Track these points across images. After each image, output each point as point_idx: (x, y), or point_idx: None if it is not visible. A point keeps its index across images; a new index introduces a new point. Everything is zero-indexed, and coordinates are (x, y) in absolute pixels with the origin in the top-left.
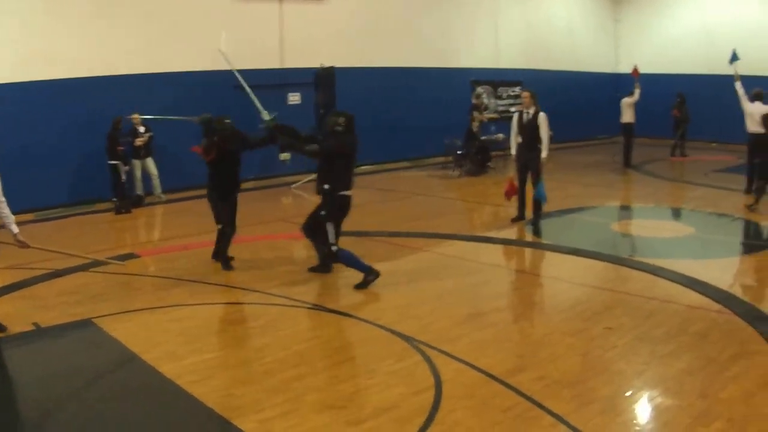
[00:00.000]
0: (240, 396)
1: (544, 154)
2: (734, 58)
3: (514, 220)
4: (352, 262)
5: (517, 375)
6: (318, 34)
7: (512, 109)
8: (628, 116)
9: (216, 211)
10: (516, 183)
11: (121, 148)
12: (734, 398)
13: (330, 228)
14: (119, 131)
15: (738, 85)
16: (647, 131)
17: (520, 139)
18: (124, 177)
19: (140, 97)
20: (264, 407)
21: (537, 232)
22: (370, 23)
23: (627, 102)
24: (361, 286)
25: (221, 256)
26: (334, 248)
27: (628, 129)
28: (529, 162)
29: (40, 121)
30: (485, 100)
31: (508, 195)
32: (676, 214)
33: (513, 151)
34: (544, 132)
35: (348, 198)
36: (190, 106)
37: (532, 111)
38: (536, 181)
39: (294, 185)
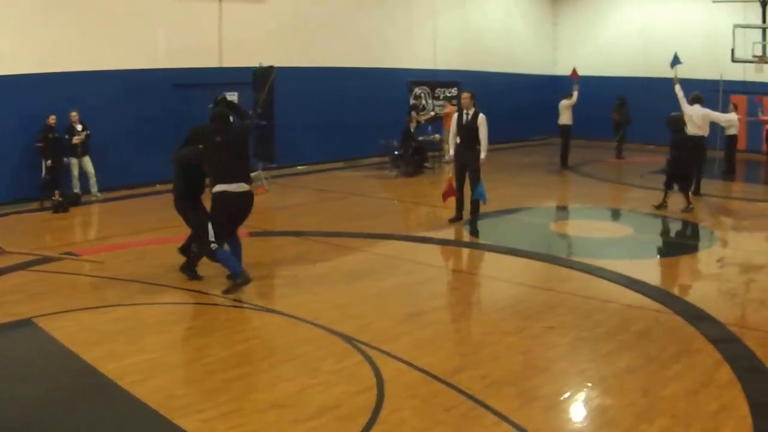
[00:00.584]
0: (182, 396)
1: (483, 155)
2: (675, 61)
3: (452, 221)
4: (229, 262)
5: (459, 374)
6: (257, 33)
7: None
8: (565, 118)
9: (188, 217)
10: (454, 184)
11: (40, 144)
12: (677, 396)
13: (209, 226)
14: (50, 129)
15: (677, 89)
16: (584, 133)
17: (458, 140)
18: (44, 173)
19: (78, 95)
20: (206, 407)
21: (475, 232)
22: (309, 23)
23: (565, 104)
24: (229, 292)
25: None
26: (213, 246)
27: (565, 130)
28: (467, 162)
29: None
30: (424, 101)
31: (445, 196)
32: (614, 214)
33: (451, 152)
34: (483, 133)
35: (228, 194)
36: (128, 104)
37: (471, 112)
38: (475, 182)
39: None
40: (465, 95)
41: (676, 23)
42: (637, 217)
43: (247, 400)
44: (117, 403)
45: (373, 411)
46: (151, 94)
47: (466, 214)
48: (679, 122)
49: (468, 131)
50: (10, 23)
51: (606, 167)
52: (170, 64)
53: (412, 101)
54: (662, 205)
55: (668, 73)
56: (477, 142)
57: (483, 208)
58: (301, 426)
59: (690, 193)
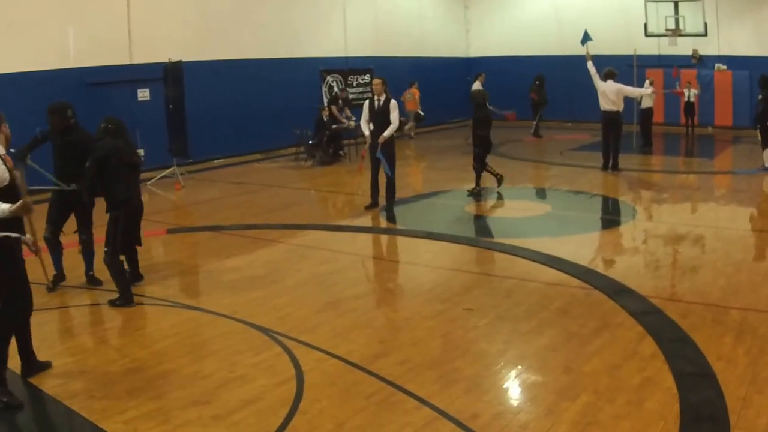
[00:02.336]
0: (102, 398)
1: (387, 132)
2: (586, 38)
3: (368, 208)
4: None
5: (379, 360)
6: (165, 28)
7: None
8: None
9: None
10: (366, 154)
11: None
12: (599, 371)
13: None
14: None
15: (590, 65)
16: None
17: (372, 126)
18: None
19: None
20: (127, 408)
21: (392, 218)
22: (217, 16)
23: (477, 87)
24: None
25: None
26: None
27: None
28: (381, 148)
29: None
30: (348, 95)
31: (361, 169)
32: (533, 193)
33: (366, 132)
34: (395, 116)
35: None
36: (36, 107)
37: (383, 98)
38: (390, 167)
39: (149, 182)
40: (377, 81)
41: (586, 0)
42: (555, 194)
43: (167, 399)
44: (40, 409)
45: (293, 402)
46: (65, 94)
47: (382, 200)
48: (480, 97)
49: (381, 117)
50: None
51: (524, 146)
52: (81, 63)
53: (335, 91)
54: (476, 189)
55: (582, 51)
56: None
57: (401, 194)
58: (222, 421)
59: (482, 173)
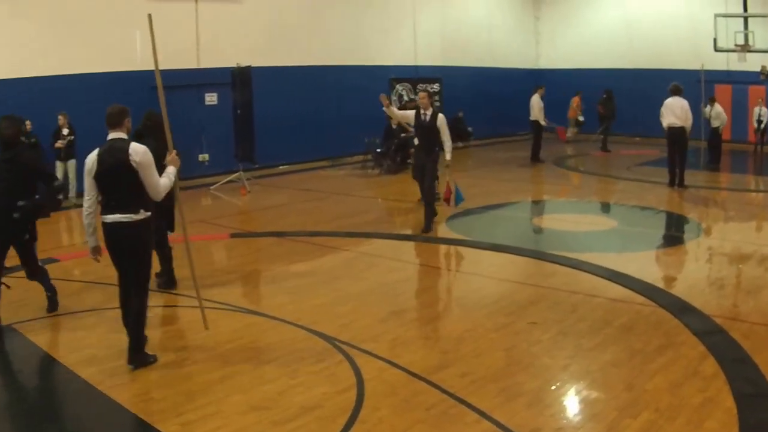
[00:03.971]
0: (161, 400)
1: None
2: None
3: (424, 232)
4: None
5: (440, 372)
6: (234, 33)
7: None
8: (536, 113)
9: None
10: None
11: None
12: (661, 389)
13: None
14: (25, 134)
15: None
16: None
17: (416, 142)
18: None
19: (55, 99)
20: (186, 410)
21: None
22: (287, 22)
23: (536, 99)
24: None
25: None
26: None
27: (536, 126)
28: (426, 165)
29: None
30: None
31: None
32: (599, 207)
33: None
34: (446, 134)
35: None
36: (102, 108)
37: (429, 112)
38: (430, 183)
39: (213, 186)
40: (422, 95)
41: (657, 13)
42: (622, 209)
43: (226, 403)
44: (97, 408)
45: (353, 410)
46: (130, 96)
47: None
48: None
49: (427, 132)
50: None
51: (591, 160)
52: (148, 66)
53: (404, 101)
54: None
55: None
56: (436, 144)
57: (465, 204)
58: (281, 427)
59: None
